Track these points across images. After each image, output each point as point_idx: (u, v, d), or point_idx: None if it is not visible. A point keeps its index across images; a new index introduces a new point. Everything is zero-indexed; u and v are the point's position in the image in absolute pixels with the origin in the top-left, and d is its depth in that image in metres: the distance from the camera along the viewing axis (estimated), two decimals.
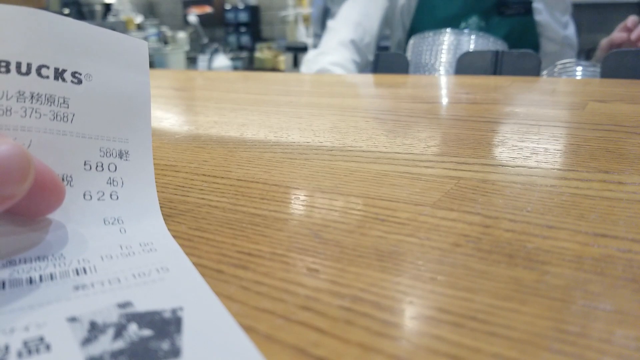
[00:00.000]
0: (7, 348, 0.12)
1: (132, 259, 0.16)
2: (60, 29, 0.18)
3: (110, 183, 0.19)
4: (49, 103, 0.17)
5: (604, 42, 0.97)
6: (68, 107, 0.18)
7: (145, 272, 0.15)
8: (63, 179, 0.18)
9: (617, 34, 0.95)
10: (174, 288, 0.15)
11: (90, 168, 0.19)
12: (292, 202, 0.23)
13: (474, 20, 1.12)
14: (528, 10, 1.10)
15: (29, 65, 0.17)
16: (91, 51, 0.19)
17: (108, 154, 0.19)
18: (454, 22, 1.11)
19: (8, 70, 0.17)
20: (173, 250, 0.17)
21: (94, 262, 0.16)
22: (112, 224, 0.18)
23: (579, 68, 0.98)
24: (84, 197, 0.18)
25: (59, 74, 0.18)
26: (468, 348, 0.12)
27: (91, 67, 0.19)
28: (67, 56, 0.18)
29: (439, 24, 1.12)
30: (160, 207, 0.20)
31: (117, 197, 0.19)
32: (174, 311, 0.13)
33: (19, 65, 0.17)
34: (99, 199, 0.18)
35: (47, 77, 0.17)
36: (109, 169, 0.19)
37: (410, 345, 0.12)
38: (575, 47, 1.15)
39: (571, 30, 1.14)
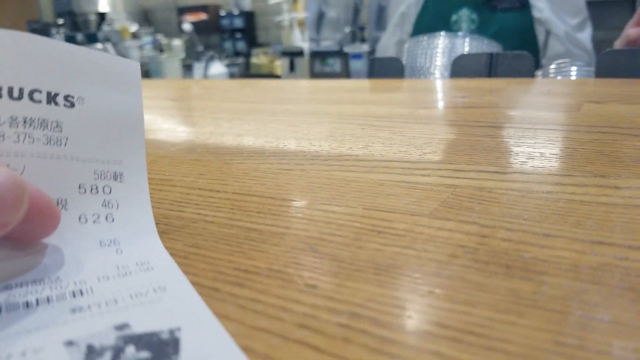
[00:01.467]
0: None
1: (128, 278, 0.16)
2: (52, 53, 0.18)
3: (106, 205, 0.19)
4: (42, 127, 0.17)
5: (620, 42, 0.94)
6: (61, 131, 0.18)
7: (142, 292, 0.15)
8: (58, 203, 0.18)
9: (633, 30, 0.91)
10: (171, 308, 0.15)
11: (85, 191, 0.19)
12: (289, 215, 0.23)
13: (464, 12, 1.12)
14: (523, 5, 1.09)
15: (21, 90, 0.17)
16: (83, 74, 0.19)
17: (102, 177, 0.19)
18: (446, 15, 1.12)
19: (0, 96, 0.17)
20: (170, 268, 0.17)
21: (91, 283, 0.16)
22: (109, 245, 0.18)
23: (574, 68, 0.98)
24: (80, 220, 0.18)
25: (51, 98, 0.18)
26: None
27: (84, 90, 0.19)
28: (59, 79, 0.18)
29: (432, 19, 1.13)
30: (156, 223, 0.20)
31: (113, 219, 0.19)
32: (171, 332, 0.13)
33: (10, 90, 0.17)
34: (94, 222, 0.18)
35: (40, 101, 0.17)
36: (103, 192, 0.19)
37: None
38: (590, 53, 1.11)
39: (586, 35, 1.11)
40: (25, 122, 0.17)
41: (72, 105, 0.18)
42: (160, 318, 0.14)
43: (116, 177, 0.19)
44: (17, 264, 0.16)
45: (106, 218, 0.19)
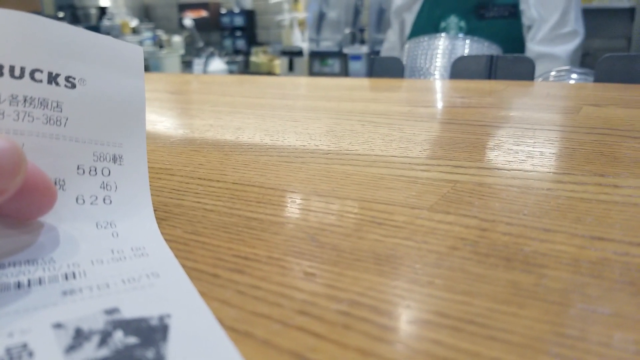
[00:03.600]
0: None
1: (122, 264, 0.16)
2: (55, 34, 0.18)
3: (104, 187, 0.19)
4: (42, 107, 0.17)
5: None
6: (61, 111, 0.18)
7: (135, 277, 0.15)
8: (55, 183, 0.18)
9: None
10: (162, 294, 0.14)
11: (84, 172, 0.18)
12: (289, 205, 0.23)
13: (452, 19, 1.12)
14: (512, 15, 1.10)
15: (22, 69, 0.17)
16: (86, 56, 0.19)
17: (102, 158, 0.19)
18: (437, 21, 1.12)
19: (1, 74, 0.16)
20: (165, 255, 0.17)
21: (84, 266, 0.16)
22: (105, 227, 0.18)
23: (574, 76, 0.98)
24: (77, 201, 0.18)
25: (52, 78, 0.18)
26: (467, 352, 0.12)
27: (85, 72, 0.19)
28: (61, 60, 0.18)
29: (425, 24, 1.13)
30: (155, 210, 0.20)
31: (111, 202, 0.19)
32: (161, 318, 0.13)
33: (12, 68, 0.17)
34: (91, 203, 0.18)
35: (41, 80, 0.17)
36: (102, 174, 0.19)
37: (408, 349, 0.12)
38: (568, 64, 1.12)
39: (570, 47, 1.11)
40: (25, 100, 0.17)
41: (74, 86, 0.18)
42: (150, 304, 0.14)
43: (115, 159, 0.19)
44: (11, 242, 0.16)
45: (104, 200, 0.19)
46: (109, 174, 0.19)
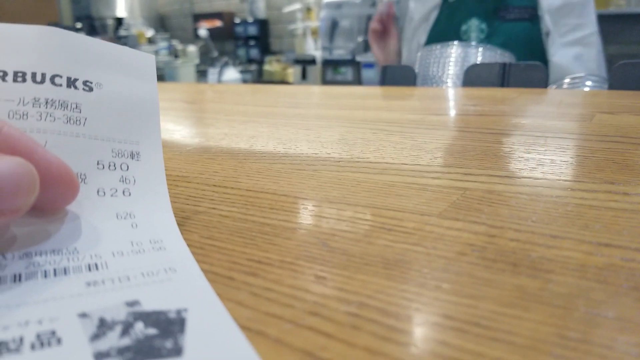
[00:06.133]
0: (21, 340, 0.12)
1: (141, 256, 0.17)
2: (72, 43, 0.19)
3: (123, 181, 0.20)
4: (63, 108, 0.19)
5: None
6: (80, 112, 0.19)
7: (154, 271, 0.16)
8: (77, 177, 0.19)
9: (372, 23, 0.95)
10: (180, 289, 0.15)
11: (103, 167, 0.19)
12: (301, 212, 0.23)
13: (474, 22, 1.12)
14: (532, 16, 1.09)
15: (43, 75, 0.18)
16: (101, 63, 0.20)
17: (120, 155, 0.20)
18: (457, 25, 1.12)
19: (24, 80, 0.18)
20: (181, 250, 0.18)
21: (106, 258, 0.16)
22: (124, 218, 0.19)
23: (589, 83, 0.97)
24: (98, 194, 0.19)
25: (71, 82, 0.19)
26: (472, 353, 0.13)
27: (102, 77, 0.20)
28: (79, 67, 0.19)
29: (444, 29, 1.13)
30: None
31: (130, 194, 0.20)
32: (178, 312, 0.14)
33: (34, 75, 0.18)
34: (112, 195, 0.19)
35: (60, 85, 0.19)
36: (121, 168, 0.20)
37: (415, 349, 0.13)
38: (595, 71, 1.07)
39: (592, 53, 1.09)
40: (47, 102, 0.18)
41: (91, 89, 0.19)
42: (169, 298, 0.15)
43: (133, 155, 0.20)
44: (37, 231, 0.17)
45: (123, 192, 0.20)
46: (128, 169, 0.20)
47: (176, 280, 0.16)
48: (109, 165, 0.20)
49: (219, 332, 0.13)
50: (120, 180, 0.20)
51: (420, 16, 1.19)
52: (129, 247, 0.17)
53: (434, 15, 1.18)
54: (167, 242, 0.18)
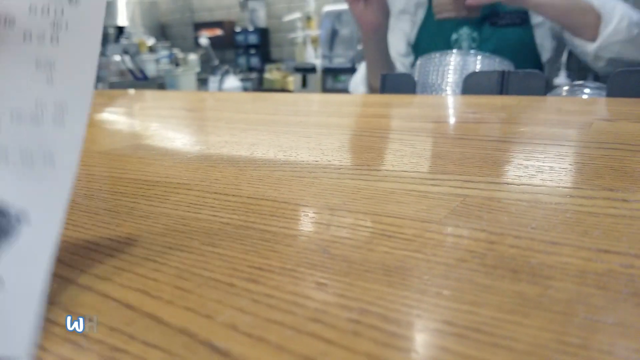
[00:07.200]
0: None
1: (36, 129, 0.15)
2: None
3: (55, 25, 0.17)
4: None
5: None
6: None
7: (33, 159, 0.14)
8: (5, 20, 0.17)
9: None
10: (37, 193, 0.14)
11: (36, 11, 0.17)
12: (301, 219, 0.24)
13: (465, 31, 1.12)
14: (524, 21, 1.09)
15: None
16: None
17: None
18: (446, 34, 1.12)
19: None
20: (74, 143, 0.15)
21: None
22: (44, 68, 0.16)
23: (587, 90, 0.98)
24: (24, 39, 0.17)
25: None
26: (472, 359, 0.13)
27: None
28: None
29: (431, 39, 1.14)
30: (174, 224, 0.21)
31: (58, 41, 0.17)
32: (17, 217, 0.13)
33: None
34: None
35: None
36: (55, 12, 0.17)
37: (416, 355, 0.13)
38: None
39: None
40: None
41: None
42: (19, 198, 0.13)
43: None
44: None
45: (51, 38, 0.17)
46: (62, 13, 0.17)
47: (46, 180, 0.14)
48: (42, 10, 0.17)
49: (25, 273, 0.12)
50: (51, 24, 0.17)
51: (402, 7, 1.17)
52: (31, 110, 0.15)
53: (420, 14, 1.17)
54: (68, 117, 0.16)
